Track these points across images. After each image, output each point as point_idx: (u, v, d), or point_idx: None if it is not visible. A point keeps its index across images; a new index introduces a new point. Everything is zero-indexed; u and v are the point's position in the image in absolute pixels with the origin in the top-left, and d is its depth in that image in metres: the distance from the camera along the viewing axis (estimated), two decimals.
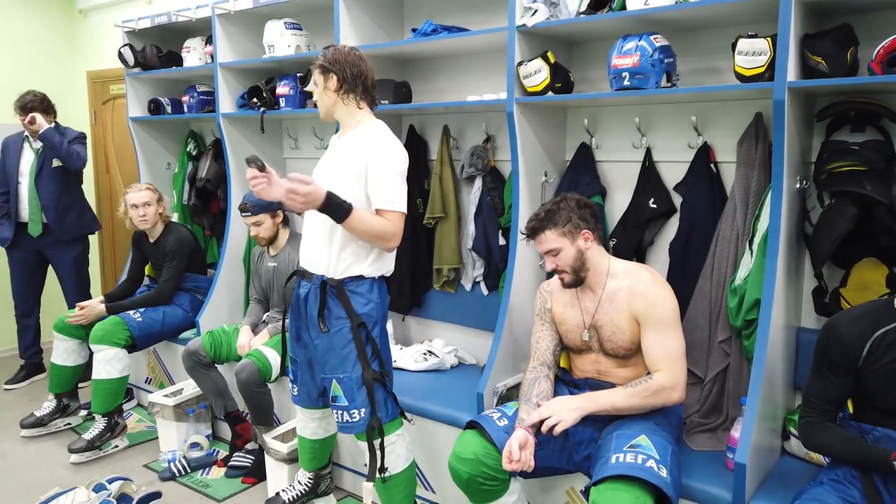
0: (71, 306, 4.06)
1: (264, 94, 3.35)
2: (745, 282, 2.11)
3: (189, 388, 3.44)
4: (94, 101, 5.08)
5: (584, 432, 2.02)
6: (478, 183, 2.95)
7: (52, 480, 3.01)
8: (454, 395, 2.68)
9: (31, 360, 4.35)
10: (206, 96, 3.85)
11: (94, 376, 3.31)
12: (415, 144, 3.14)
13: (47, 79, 4.45)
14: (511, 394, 2.50)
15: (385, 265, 2.26)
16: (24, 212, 4.01)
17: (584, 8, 2.28)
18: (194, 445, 3.27)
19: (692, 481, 1.96)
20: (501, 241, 2.89)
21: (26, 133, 4.04)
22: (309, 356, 2.37)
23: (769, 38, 1.94)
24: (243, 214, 3.09)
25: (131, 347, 3.42)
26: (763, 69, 1.96)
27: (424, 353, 3.03)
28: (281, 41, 3.20)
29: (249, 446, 3.15)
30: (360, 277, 2.22)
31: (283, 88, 3.25)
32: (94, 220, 4.25)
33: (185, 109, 3.88)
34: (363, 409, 2.21)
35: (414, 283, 3.21)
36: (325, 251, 2.22)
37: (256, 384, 2.90)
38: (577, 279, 2.05)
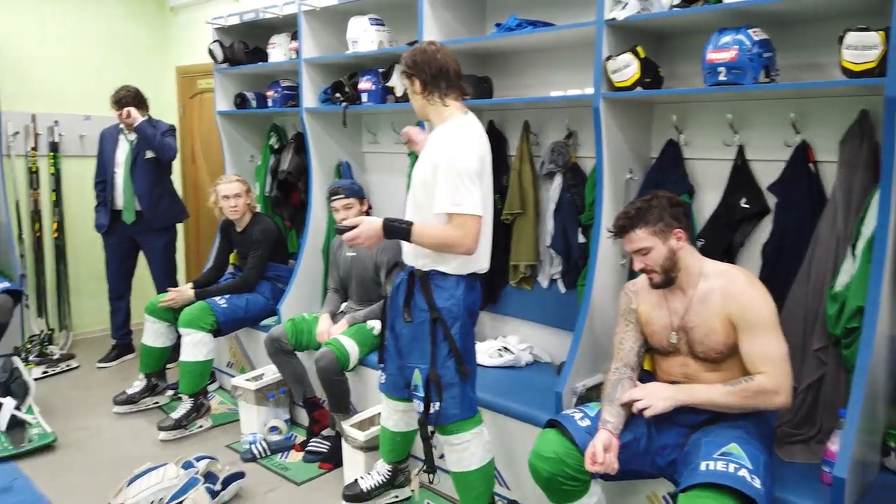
0: (160, 291, 4.26)
1: (346, 89, 3.41)
2: (846, 288, 2.00)
3: (270, 373, 3.56)
4: (183, 95, 5.30)
5: (669, 436, 1.98)
6: (558, 180, 2.92)
7: (142, 455, 3.17)
8: (530, 393, 2.67)
9: (122, 340, 4.59)
10: (290, 91, 3.95)
11: (181, 358, 3.47)
12: (494, 140, 3.11)
13: (140, 74, 4.69)
14: (590, 394, 2.47)
15: (474, 263, 2.27)
16: (119, 200, 4.22)
17: (678, 0, 2.22)
18: (273, 429, 3.38)
19: (785, 494, 1.89)
20: (581, 239, 2.85)
21: (122, 126, 4.26)
22: (398, 345, 2.41)
23: (882, 32, 1.83)
24: (335, 198, 3.20)
25: (216, 332, 3.56)
26: (873, 64, 1.85)
27: (499, 350, 3.03)
28: (365, 37, 3.25)
29: (326, 432, 3.23)
30: (445, 273, 2.24)
31: (365, 83, 3.30)
32: (183, 209, 4.45)
33: (269, 104, 3.99)
34: (437, 403, 2.23)
35: (490, 278, 3.18)
36: (412, 245, 2.26)
37: (335, 372, 2.97)
38: (667, 279, 2.00)
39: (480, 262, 2.30)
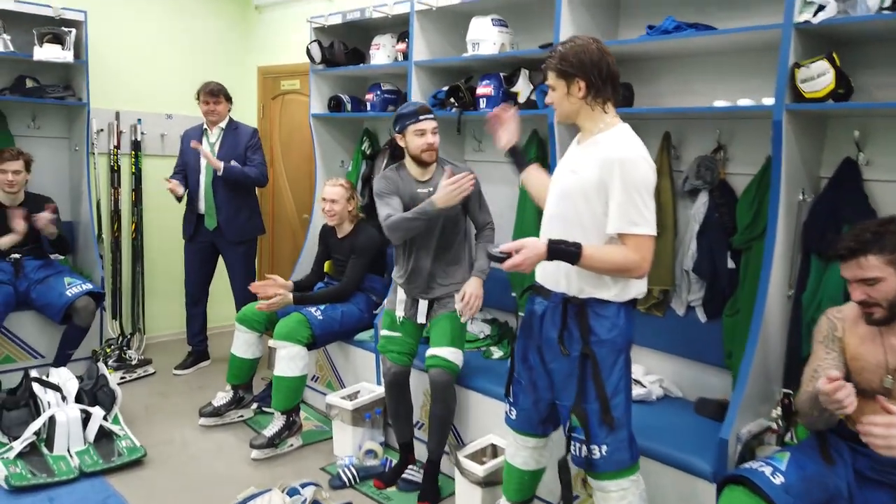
0: (238, 300, 4.13)
1: (461, 94, 3.21)
2: None
3: (366, 391, 3.36)
4: (264, 95, 5.16)
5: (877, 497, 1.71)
6: (703, 197, 2.66)
7: (234, 475, 3.02)
8: (671, 434, 2.42)
9: (198, 346, 4.45)
10: (391, 95, 3.78)
11: (276, 373, 3.29)
12: None
13: (221, 73, 4.52)
14: (753, 443, 2.21)
15: (634, 288, 2.03)
16: (202, 204, 4.09)
17: (888, 3, 1.96)
18: (369, 453, 3.17)
19: None
20: (731, 265, 2.59)
21: (205, 126, 4.13)
22: (534, 378, 2.18)
23: None
24: (423, 118, 2.73)
25: (311, 345, 3.38)
26: None
27: None
28: (487, 38, 3.04)
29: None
30: (606, 301, 2.01)
31: (484, 88, 3.10)
32: (261, 224, 4.28)
33: (368, 108, 3.81)
34: (604, 447, 1.99)
35: None
36: (563, 267, 2.02)
37: (453, 394, 2.78)
38: (890, 316, 1.73)
39: (640, 286, 2.06)
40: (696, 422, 2.58)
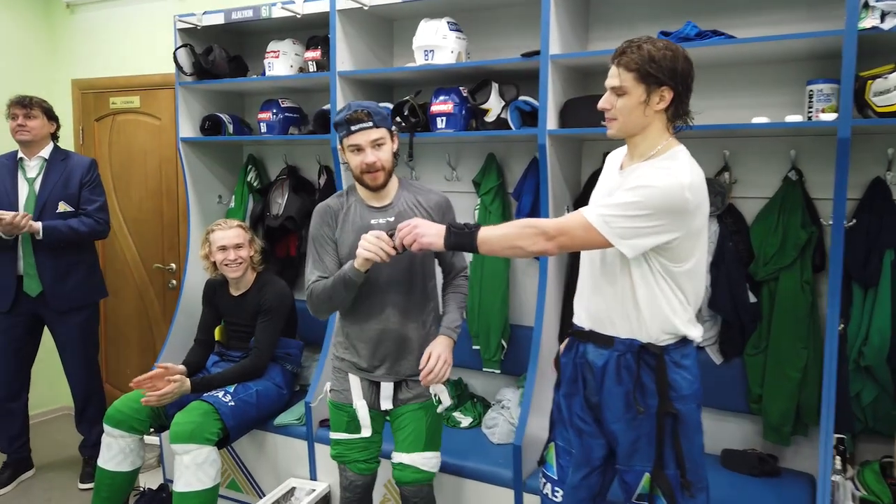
0: (76, 388, 3.17)
1: (410, 112, 2.64)
2: None
3: (303, 491, 2.61)
4: (84, 116, 4.06)
5: None
6: (713, 226, 2.40)
7: None
8: (730, 499, 2.10)
9: (17, 454, 3.28)
10: (292, 114, 3.06)
11: (178, 488, 2.42)
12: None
13: (17, 89, 3.32)
14: None
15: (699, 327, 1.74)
16: (19, 263, 3.01)
17: None
18: None
19: None
20: (752, 298, 2.35)
21: (20, 155, 3.08)
22: (588, 445, 1.79)
23: None
24: (357, 127, 1.96)
25: (221, 442, 2.55)
26: None
27: None
28: (443, 45, 2.52)
29: None
30: (685, 341, 1.69)
31: (441, 105, 2.55)
32: (101, 285, 3.28)
33: (263, 129, 3.05)
34: None
35: None
36: (618, 305, 1.69)
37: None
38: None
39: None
40: (731, 479, 2.28)
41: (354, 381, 2.13)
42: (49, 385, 3.89)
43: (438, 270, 2.23)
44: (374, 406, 2.14)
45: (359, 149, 1.98)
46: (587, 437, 1.79)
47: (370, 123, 1.96)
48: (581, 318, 1.81)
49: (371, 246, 1.83)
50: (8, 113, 3.04)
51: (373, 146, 1.97)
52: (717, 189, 2.39)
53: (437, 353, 2.02)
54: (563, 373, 1.85)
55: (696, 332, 1.71)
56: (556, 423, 1.87)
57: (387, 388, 2.13)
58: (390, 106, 2.70)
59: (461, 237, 1.74)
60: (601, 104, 1.70)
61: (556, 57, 2.32)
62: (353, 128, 1.96)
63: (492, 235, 1.72)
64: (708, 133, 2.34)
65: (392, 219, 2.04)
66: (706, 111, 2.37)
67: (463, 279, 2.23)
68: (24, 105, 3.01)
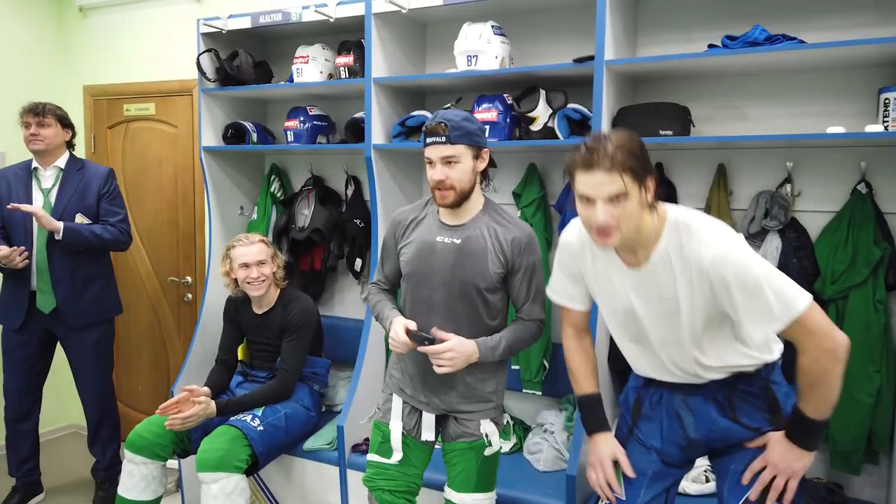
0: (89, 408, 3.02)
1: None
2: None
3: None
4: (96, 123, 3.91)
5: None
6: (774, 240, 2.27)
7: None
8: None
9: (27, 477, 3.12)
10: (321, 122, 2.93)
11: None
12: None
13: (27, 95, 3.11)
14: None
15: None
16: (33, 279, 2.86)
17: None
18: None
19: None
20: None
21: (35, 164, 2.94)
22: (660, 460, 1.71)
23: None
24: (430, 141, 1.84)
25: (250, 469, 2.40)
26: None
27: (705, 472, 2.27)
28: (487, 50, 2.39)
29: None
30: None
31: (485, 113, 2.42)
32: (117, 301, 3.13)
33: (290, 138, 2.91)
34: None
35: None
36: (679, 354, 1.61)
37: None
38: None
39: None
40: None
41: (396, 402, 2.02)
42: (57, 402, 3.72)
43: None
44: (413, 434, 2.00)
45: (430, 162, 1.86)
46: (651, 455, 1.71)
47: (443, 139, 1.82)
48: (645, 369, 1.73)
49: (394, 343, 1.88)
50: (21, 121, 2.91)
51: (443, 163, 1.83)
52: (780, 202, 2.26)
53: (451, 347, 1.81)
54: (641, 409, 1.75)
55: (777, 351, 1.64)
56: (631, 449, 1.73)
57: (428, 419, 1.99)
58: (418, 114, 2.56)
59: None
60: (605, 218, 1.43)
61: (612, 63, 2.20)
62: (427, 140, 1.85)
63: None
64: (770, 143, 2.23)
65: (459, 241, 1.90)
66: (768, 120, 2.30)
67: (533, 324, 1.98)
68: (37, 113, 2.88)
